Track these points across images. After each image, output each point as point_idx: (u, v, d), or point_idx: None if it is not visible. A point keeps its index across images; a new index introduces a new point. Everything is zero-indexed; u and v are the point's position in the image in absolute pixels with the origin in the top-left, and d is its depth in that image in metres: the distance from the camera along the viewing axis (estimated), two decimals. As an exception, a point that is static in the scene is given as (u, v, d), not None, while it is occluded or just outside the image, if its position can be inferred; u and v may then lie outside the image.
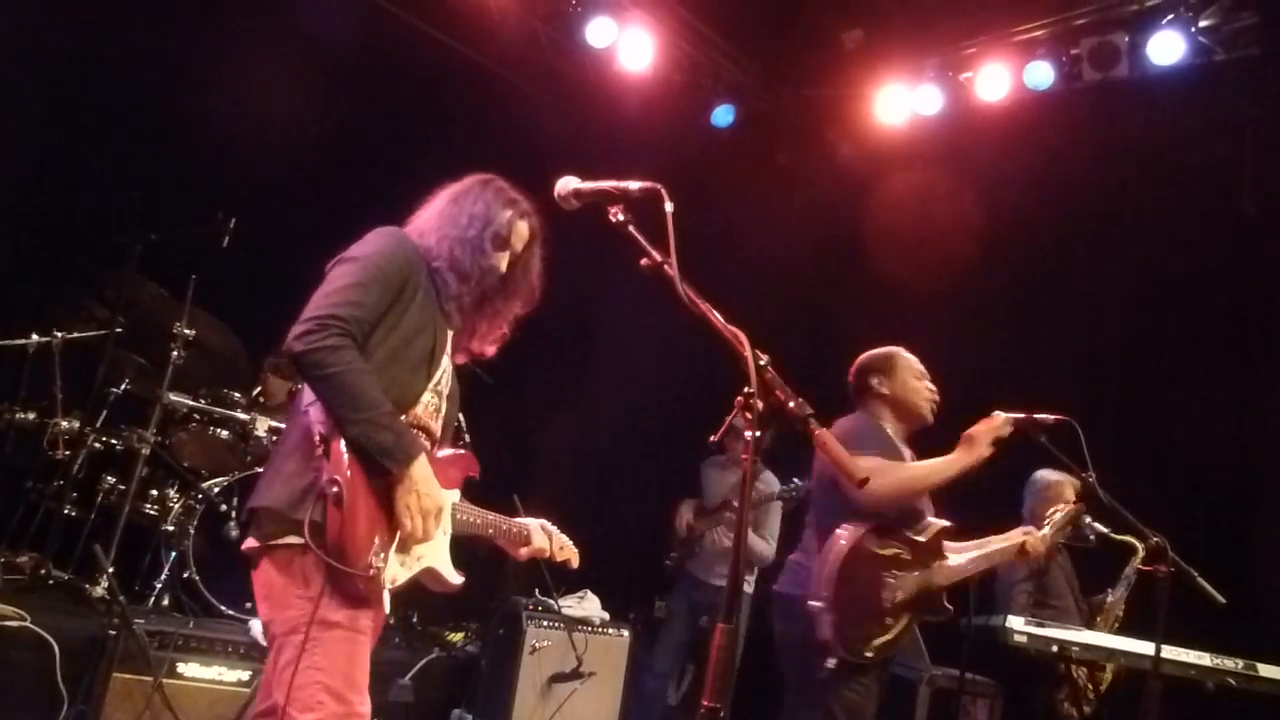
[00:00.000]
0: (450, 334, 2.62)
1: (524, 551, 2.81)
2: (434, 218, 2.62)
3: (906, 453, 3.59)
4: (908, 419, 3.64)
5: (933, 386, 3.64)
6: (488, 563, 4.47)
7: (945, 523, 3.49)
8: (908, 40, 6.71)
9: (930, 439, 3.64)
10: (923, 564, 3.40)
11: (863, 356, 3.76)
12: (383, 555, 2.28)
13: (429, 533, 2.38)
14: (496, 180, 2.69)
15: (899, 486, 3.36)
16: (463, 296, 2.55)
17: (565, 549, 2.91)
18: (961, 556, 3.52)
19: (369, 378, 2.28)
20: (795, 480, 5.43)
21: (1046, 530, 3.78)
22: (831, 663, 3.21)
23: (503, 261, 2.63)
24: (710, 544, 5.73)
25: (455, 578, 2.60)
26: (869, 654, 3.26)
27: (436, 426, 2.56)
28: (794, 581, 3.51)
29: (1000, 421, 3.40)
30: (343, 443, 2.24)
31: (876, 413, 3.65)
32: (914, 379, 3.64)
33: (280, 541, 2.27)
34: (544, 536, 2.83)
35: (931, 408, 3.63)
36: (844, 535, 3.32)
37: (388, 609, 2.42)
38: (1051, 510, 4.00)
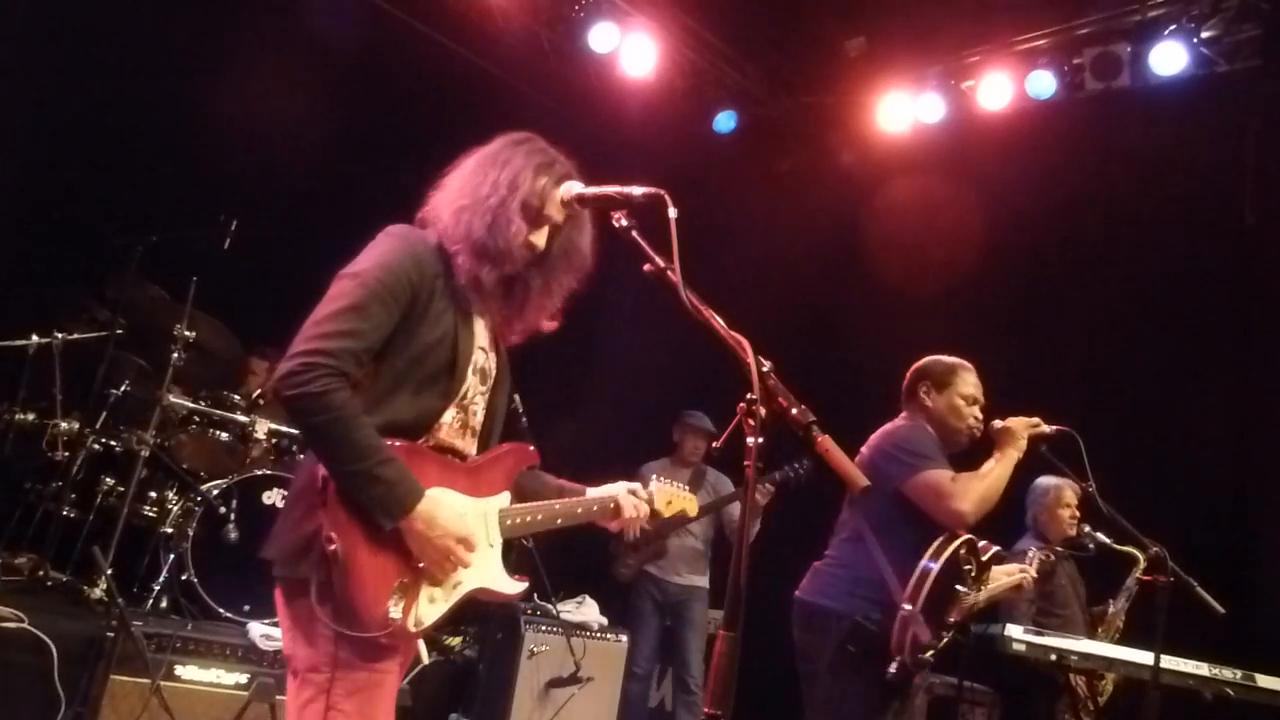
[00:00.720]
0: (482, 326, 2.35)
1: (614, 525, 2.58)
2: (453, 190, 2.33)
3: None
4: (942, 439, 3.57)
5: (979, 415, 3.58)
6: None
7: (997, 547, 3.52)
8: (910, 48, 6.72)
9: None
10: (981, 582, 3.44)
11: (926, 360, 3.71)
12: (401, 603, 2.09)
13: (461, 565, 2.18)
14: (533, 140, 2.37)
15: (982, 499, 3.36)
16: (481, 278, 2.26)
17: (675, 500, 2.65)
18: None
19: (359, 422, 2.06)
20: (796, 465, 5.39)
21: (1032, 572, 3.87)
22: (894, 668, 3.22)
23: (538, 236, 2.30)
24: (675, 546, 5.81)
25: (511, 587, 2.37)
26: (919, 663, 3.28)
27: (466, 443, 2.34)
28: (819, 589, 3.47)
29: (1031, 419, 3.44)
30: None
31: (919, 421, 3.61)
32: (964, 402, 3.57)
33: (293, 579, 2.13)
34: (637, 504, 2.56)
35: (970, 435, 3.57)
36: (948, 544, 3.32)
37: (423, 650, 2.27)
38: (1033, 554, 4.04)
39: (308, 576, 2.04)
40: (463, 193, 2.30)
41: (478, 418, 2.37)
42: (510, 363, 2.50)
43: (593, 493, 2.56)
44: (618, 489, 2.56)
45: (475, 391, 2.34)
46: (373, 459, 2.05)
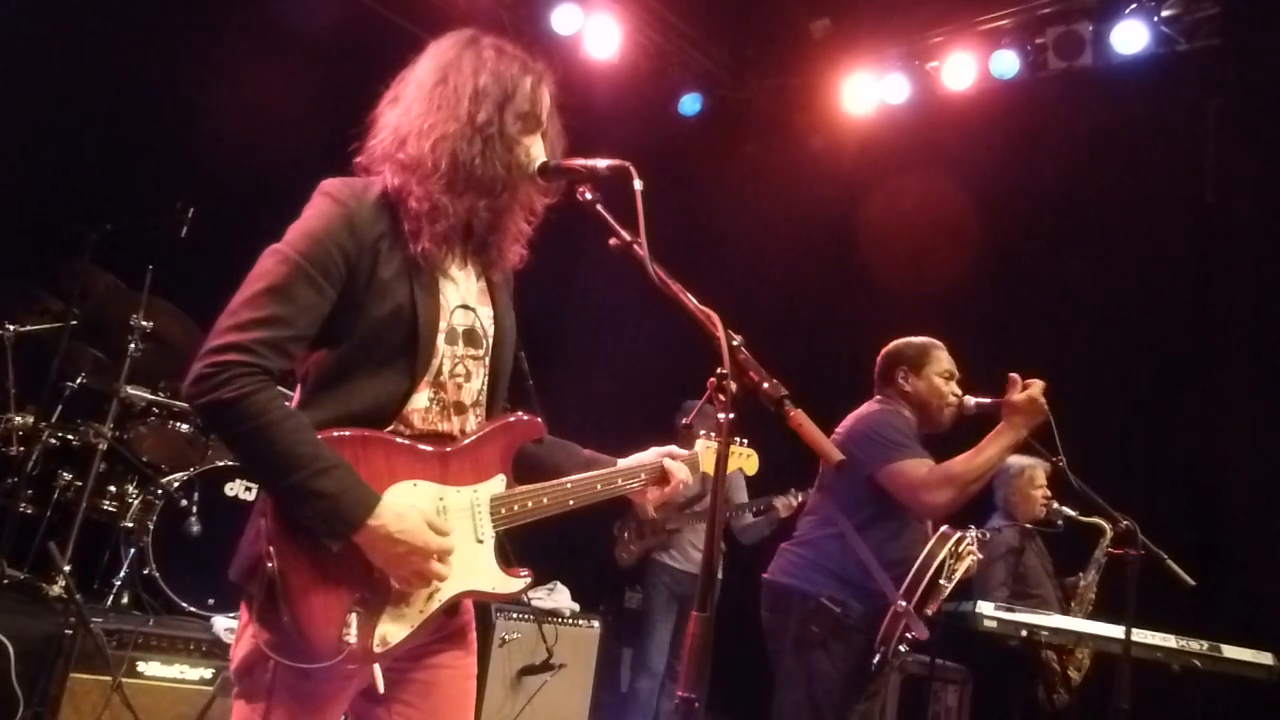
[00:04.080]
0: (465, 279, 2.03)
1: (655, 497, 2.24)
2: (419, 113, 1.94)
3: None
4: (925, 421, 3.57)
5: (957, 390, 3.57)
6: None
7: (975, 532, 3.50)
8: (874, 29, 6.72)
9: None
10: (954, 571, 3.40)
11: (897, 343, 3.67)
12: (359, 623, 1.80)
13: (436, 579, 1.88)
14: (484, 36, 2.02)
15: (961, 489, 3.28)
16: (481, 210, 1.95)
17: (730, 458, 2.09)
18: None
19: (287, 427, 1.75)
20: (794, 491, 5.37)
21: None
22: (876, 659, 3.23)
23: (538, 147, 2.00)
24: (688, 538, 5.70)
25: (508, 585, 2.03)
26: (902, 648, 3.30)
27: (453, 425, 1.99)
28: (784, 570, 3.50)
29: (1040, 388, 3.29)
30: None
31: (896, 406, 3.58)
32: (942, 380, 3.56)
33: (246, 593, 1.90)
34: (679, 467, 2.22)
35: (951, 414, 3.56)
36: (943, 544, 3.30)
37: (379, 677, 1.90)
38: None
39: (253, 593, 1.80)
40: (439, 114, 1.93)
41: (468, 390, 2.02)
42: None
43: (623, 464, 2.22)
44: (650, 456, 2.24)
45: (458, 361, 1.99)
46: (306, 470, 1.73)
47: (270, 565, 1.74)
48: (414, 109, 1.96)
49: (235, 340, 1.76)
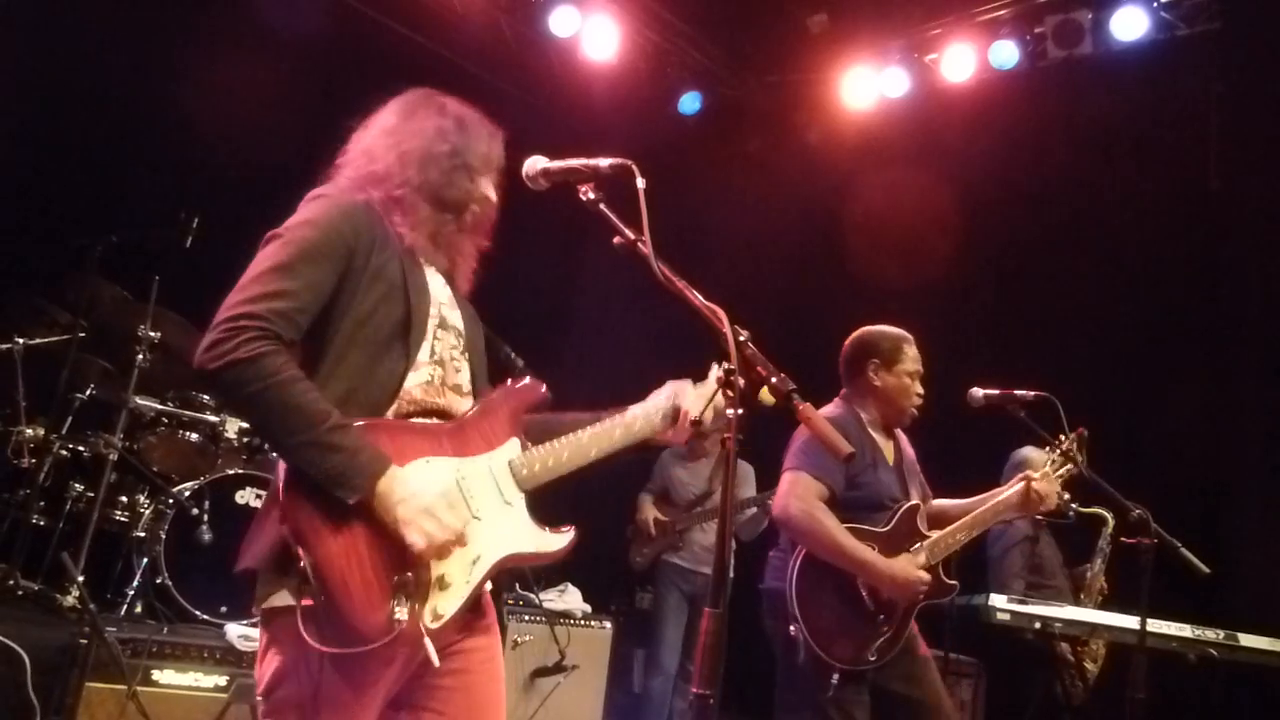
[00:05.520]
0: (439, 280, 2.15)
1: (678, 432, 2.24)
2: (383, 135, 2.16)
3: (881, 443, 3.51)
4: (889, 417, 3.53)
5: (921, 390, 3.51)
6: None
7: (909, 502, 3.41)
8: (872, 23, 6.72)
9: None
10: (897, 551, 3.29)
11: (869, 333, 3.56)
12: (406, 601, 1.81)
13: (449, 532, 1.88)
14: (439, 95, 2.28)
15: (813, 524, 3.20)
16: (439, 230, 2.11)
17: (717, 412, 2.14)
18: (949, 527, 3.42)
19: (302, 387, 1.82)
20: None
21: (1048, 469, 3.57)
22: (835, 678, 3.15)
23: (490, 189, 2.19)
24: (697, 538, 5.70)
25: (549, 544, 2.05)
26: (872, 658, 3.22)
27: (453, 401, 2.07)
28: (771, 574, 3.47)
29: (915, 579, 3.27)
30: (296, 475, 1.83)
31: (860, 401, 3.53)
32: (910, 378, 3.49)
33: (272, 605, 1.86)
34: (696, 397, 2.22)
35: (913, 413, 3.52)
36: (797, 554, 3.24)
37: (432, 653, 1.88)
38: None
39: (291, 604, 1.79)
40: (403, 138, 2.14)
41: (461, 376, 2.12)
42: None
43: (635, 409, 2.23)
44: (662, 399, 2.24)
45: (450, 348, 2.10)
46: (324, 424, 1.79)
47: (303, 563, 1.76)
48: (384, 134, 2.17)
49: (247, 309, 1.84)
